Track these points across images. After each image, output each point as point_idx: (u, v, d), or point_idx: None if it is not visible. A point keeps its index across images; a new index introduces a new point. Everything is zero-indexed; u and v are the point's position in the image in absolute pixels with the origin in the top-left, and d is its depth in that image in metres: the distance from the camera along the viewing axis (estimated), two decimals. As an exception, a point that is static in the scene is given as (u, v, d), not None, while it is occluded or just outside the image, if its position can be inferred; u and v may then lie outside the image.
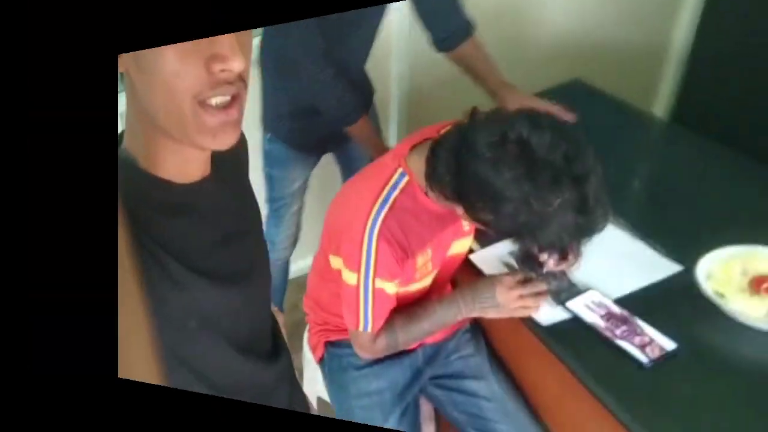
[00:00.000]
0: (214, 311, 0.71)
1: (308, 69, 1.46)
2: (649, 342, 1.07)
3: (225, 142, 0.62)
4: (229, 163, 0.76)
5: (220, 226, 0.72)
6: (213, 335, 0.72)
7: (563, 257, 1.12)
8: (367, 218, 1.11)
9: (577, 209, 0.93)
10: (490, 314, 1.19)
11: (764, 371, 1.05)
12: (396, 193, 1.13)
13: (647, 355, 1.05)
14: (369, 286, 1.13)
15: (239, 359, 0.76)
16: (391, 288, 1.16)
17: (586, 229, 0.96)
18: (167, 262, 0.64)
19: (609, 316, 1.14)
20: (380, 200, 1.12)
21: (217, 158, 0.72)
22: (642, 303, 1.15)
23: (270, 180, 1.76)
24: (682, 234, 1.29)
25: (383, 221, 1.11)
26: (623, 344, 1.08)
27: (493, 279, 1.19)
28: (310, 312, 1.45)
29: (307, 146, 1.71)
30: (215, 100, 0.59)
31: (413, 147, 1.16)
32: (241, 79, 0.61)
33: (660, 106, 2.56)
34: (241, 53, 0.58)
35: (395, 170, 1.14)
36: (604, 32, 2.25)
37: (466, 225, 1.23)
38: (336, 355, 1.38)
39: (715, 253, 1.16)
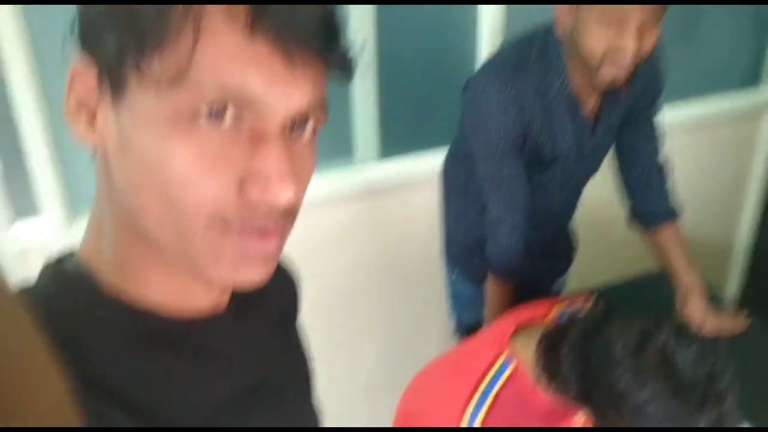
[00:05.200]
0: None
1: (493, 206, 1.31)
2: None
3: (250, 277, 0.45)
4: (266, 303, 0.58)
5: (234, 376, 0.53)
6: None
7: None
8: (460, 417, 0.94)
9: (714, 425, 0.86)
10: None
11: None
12: (499, 384, 0.97)
13: None
14: None
15: None
16: None
17: None
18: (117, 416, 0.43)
19: None
20: (479, 393, 0.96)
21: (242, 292, 0.54)
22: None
23: (459, 324, 1.60)
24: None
25: (483, 421, 0.94)
26: None
27: None
28: None
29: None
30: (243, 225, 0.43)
31: (518, 329, 1.04)
32: (289, 215, 0.45)
33: (728, 293, 2.67)
34: (293, 179, 0.41)
35: (497, 356, 1.00)
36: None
37: (580, 420, 1.08)
38: None
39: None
